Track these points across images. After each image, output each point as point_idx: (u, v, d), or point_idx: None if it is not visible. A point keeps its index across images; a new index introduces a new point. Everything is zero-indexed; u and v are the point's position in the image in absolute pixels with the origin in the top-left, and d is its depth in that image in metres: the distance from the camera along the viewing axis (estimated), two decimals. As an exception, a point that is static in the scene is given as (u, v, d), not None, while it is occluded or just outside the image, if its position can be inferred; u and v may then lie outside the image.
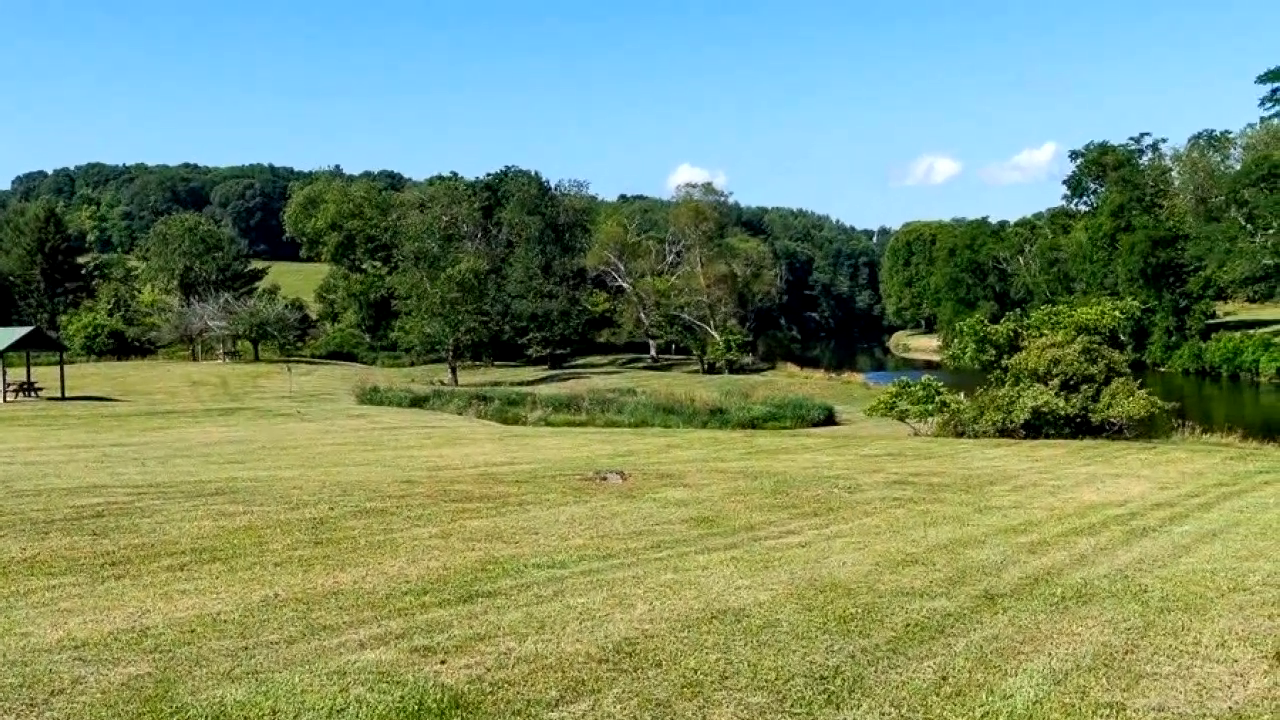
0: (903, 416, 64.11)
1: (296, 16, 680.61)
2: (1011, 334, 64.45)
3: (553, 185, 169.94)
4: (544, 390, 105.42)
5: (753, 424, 79.41)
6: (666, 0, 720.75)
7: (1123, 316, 69.64)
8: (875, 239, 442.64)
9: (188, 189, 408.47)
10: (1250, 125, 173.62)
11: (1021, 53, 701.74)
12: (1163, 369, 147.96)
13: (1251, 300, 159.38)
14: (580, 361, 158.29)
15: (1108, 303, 71.51)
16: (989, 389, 60.51)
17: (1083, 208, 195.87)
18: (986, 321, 68.80)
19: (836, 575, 17.45)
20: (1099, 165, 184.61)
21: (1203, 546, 21.15)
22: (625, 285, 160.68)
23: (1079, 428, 54.64)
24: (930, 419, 62.19)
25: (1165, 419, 60.11)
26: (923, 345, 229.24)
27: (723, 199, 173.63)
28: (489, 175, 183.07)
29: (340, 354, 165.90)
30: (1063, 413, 54.17)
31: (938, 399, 62.12)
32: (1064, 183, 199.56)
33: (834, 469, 36.18)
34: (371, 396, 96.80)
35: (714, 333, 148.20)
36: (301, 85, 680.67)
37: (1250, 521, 24.68)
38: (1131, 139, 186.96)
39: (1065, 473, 35.62)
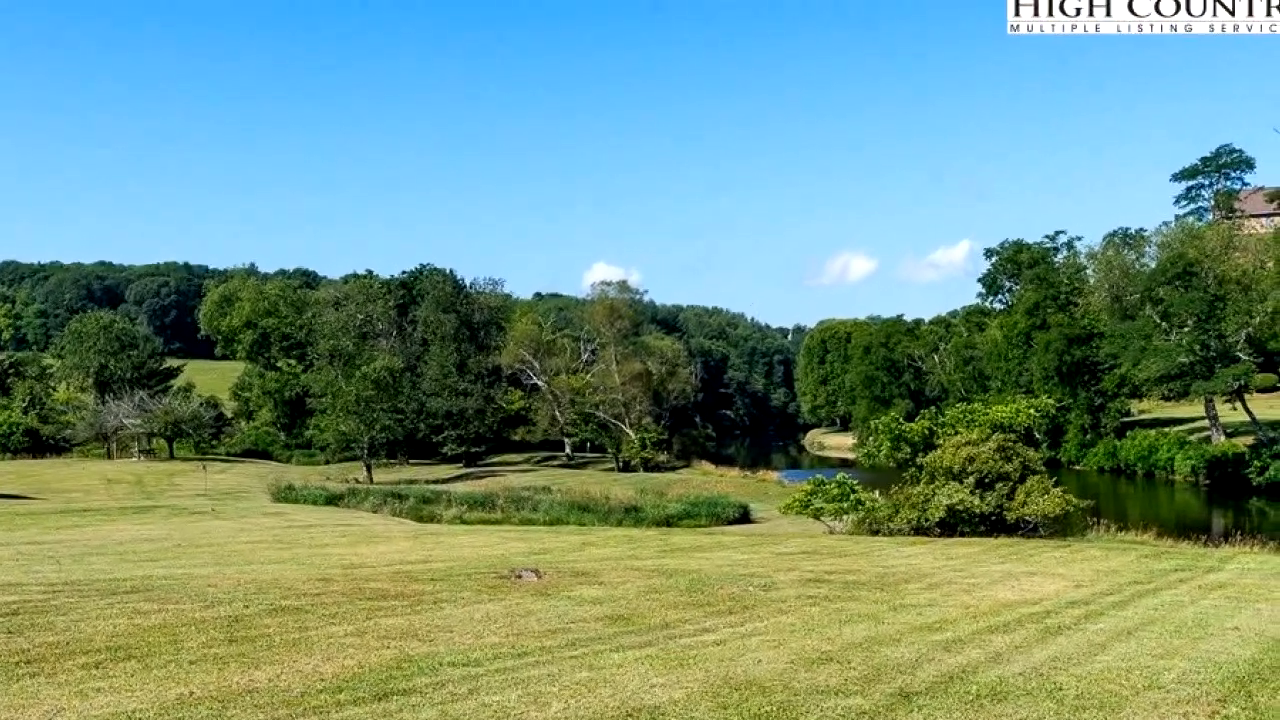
0: (818, 514, 64.28)
1: (210, 113, 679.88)
2: (927, 432, 64.96)
3: (468, 283, 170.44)
4: (459, 488, 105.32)
5: (668, 522, 79.55)
6: (579, 98, 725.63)
7: (1037, 414, 70.26)
8: (790, 337, 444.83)
9: (102, 287, 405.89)
10: (1165, 223, 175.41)
11: (936, 151, 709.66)
12: (1078, 467, 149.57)
13: (1166, 398, 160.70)
14: (495, 459, 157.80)
15: (1022, 400, 72.24)
16: (904, 487, 60.78)
17: (998, 305, 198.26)
18: (901, 419, 69.25)
19: (752, 673, 17.56)
20: (1014, 263, 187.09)
21: (1118, 644, 21.39)
22: (540, 383, 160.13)
23: (994, 525, 54.91)
24: (845, 517, 62.34)
25: (1080, 517, 60.35)
26: (838, 443, 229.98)
27: (638, 297, 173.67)
28: (404, 273, 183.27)
29: (255, 452, 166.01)
30: (978, 510, 54.41)
31: (853, 497, 62.40)
32: (979, 280, 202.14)
33: (749, 567, 36.26)
34: (287, 494, 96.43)
35: (629, 431, 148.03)
36: (216, 183, 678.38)
37: (1165, 619, 24.97)
38: (1046, 237, 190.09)
39: (980, 570, 35.85)
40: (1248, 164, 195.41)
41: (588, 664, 18.21)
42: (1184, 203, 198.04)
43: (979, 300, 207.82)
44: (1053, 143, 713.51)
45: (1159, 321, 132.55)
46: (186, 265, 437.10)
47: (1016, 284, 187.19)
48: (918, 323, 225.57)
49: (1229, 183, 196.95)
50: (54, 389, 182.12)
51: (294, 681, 16.41)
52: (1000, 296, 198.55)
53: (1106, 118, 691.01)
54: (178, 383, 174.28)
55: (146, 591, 26.81)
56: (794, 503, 66.69)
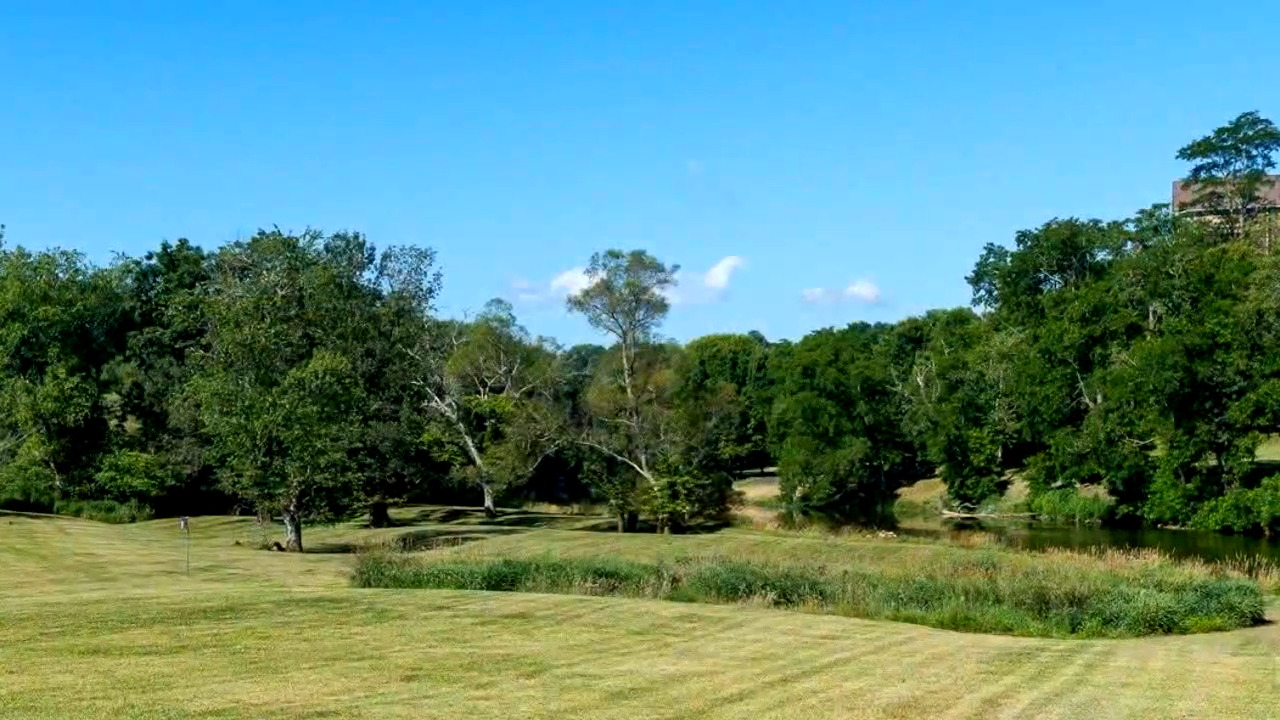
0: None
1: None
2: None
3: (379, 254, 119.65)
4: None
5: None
6: (536, 145, 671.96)
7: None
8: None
9: None
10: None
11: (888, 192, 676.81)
12: (1176, 526, 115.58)
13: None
14: (414, 512, 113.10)
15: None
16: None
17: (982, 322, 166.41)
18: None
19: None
20: (1060, 249, 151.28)
21: None
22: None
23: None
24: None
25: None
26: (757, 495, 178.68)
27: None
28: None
29: (23, 503, 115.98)
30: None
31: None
32: (968, 279, 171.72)
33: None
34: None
35: (645, 472, 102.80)
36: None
37: None
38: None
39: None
40: (1277, 138, 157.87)
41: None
42: (1195, 186, 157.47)
43: (973, 307, 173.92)
44: (1008, 192, 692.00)
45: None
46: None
47: (1048, 280, 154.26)
48: (871, 336, 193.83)
49: (1250, 162, 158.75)
50: None
51: None
52: (986, 302, 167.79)
53: (1068, 161, 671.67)
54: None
55: None
56: None
